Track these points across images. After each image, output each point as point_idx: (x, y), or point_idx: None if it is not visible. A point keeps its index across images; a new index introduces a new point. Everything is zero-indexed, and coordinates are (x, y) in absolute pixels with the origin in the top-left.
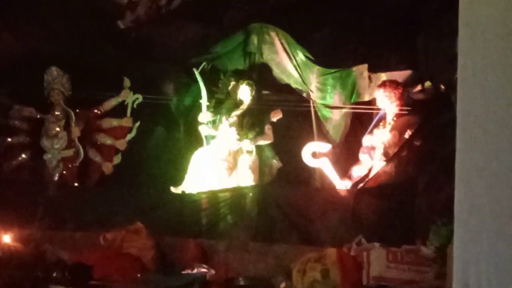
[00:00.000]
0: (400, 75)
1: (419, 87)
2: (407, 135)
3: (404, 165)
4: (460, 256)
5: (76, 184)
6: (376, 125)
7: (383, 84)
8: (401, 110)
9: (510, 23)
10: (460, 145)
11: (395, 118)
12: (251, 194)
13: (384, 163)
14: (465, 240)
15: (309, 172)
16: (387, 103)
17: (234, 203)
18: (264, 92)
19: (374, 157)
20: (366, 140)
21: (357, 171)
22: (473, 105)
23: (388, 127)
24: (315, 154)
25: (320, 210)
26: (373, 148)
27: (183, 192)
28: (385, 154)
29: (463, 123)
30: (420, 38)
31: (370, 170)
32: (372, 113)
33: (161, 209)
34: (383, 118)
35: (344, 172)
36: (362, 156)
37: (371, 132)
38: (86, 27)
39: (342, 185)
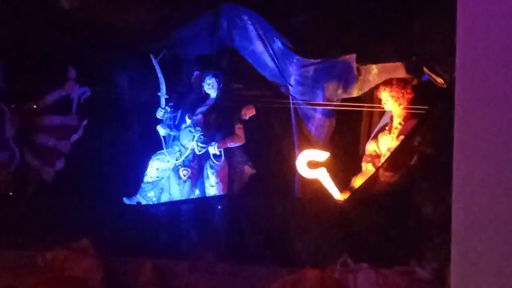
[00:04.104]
0: (393, 67)
1: (415, 81)
2: (416, 141)
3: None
4: (458, 279)
5: (10, 194)
6: (381, 130)
7: (390, 83)
8: (409, 113)
9: None
10: (458, 152)
11: (402, 122)
12: (218, 206)
13: (390, 173)
14: (464, 260)
15: (287, 180)
16: (394, 105)
17: (199, 216)
18: (235, 85)
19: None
20: (370, 146)
21: (360, 183)
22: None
23: (395, 132)
24: (312, 164)
25: (299, 224)
26: (378, 156)
27: (138, 203)
28: (392, 163)
29: (460, 132)
30: (416, 24)
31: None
32: (361, 111)
33: (111, 224)
34: (389, 122)
35: (344, 184)
36: (365, 165)
37: (375, 137)
38: (23, 7)
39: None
